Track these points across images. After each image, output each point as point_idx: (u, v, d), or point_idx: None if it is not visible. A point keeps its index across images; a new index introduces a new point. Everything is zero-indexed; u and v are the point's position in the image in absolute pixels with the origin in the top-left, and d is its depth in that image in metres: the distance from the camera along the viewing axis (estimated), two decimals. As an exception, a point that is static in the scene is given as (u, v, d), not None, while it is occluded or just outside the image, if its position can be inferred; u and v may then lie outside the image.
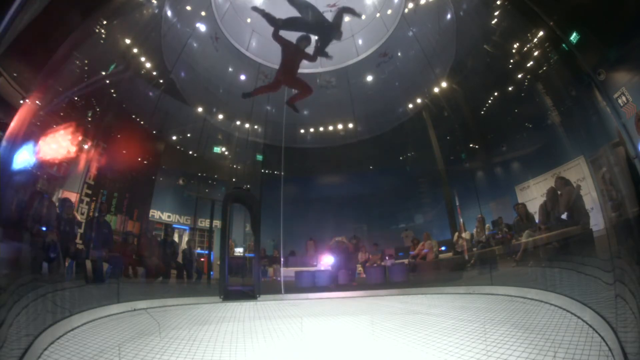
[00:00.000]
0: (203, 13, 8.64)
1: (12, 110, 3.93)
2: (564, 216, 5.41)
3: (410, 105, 9.80)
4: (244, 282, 8.76)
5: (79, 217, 5.82)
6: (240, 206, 9.60)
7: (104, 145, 6.50)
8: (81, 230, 5.83)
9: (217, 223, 9.11)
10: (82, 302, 4.79)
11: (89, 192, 6.16)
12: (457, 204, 8.48)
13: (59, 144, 5.33)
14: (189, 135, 9.54)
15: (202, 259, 8.83)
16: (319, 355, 3.07)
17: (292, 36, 7.13)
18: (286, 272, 8.87)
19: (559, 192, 5.57)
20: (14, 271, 3.49)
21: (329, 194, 10.46)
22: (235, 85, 9.92)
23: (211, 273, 8.65)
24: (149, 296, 6.37)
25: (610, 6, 3.73)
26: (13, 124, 3.91)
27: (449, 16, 7.97)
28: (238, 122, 10.17)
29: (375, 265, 8.99)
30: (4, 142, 3.73)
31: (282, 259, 9.21)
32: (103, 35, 5.89)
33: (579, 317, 3.34)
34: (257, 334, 3.92)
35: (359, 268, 9.14)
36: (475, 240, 7.60)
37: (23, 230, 4.03)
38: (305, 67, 10.25)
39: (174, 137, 9.19)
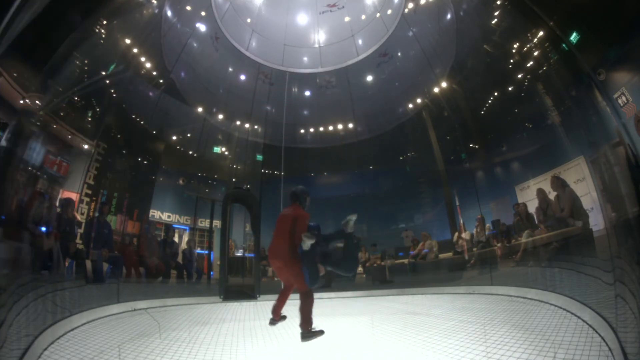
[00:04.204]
0: (203, 13, 8.63)
1: (12, 110, 3.92)
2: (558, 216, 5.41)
3: (410, 105, 9.80)
4: (244, 282, 8.77)
5: (79, 217, 5.81)
6: (240, 206, 9.60)
7: (104, 145, 6.49)
8: (81, 230, 5.83)
9: (217, 223, 9.11)
10: (82, 302, 4.79)
11: (89, 192, 6.16)
12: (457, 204, 8.47)
13: (59, 144, 5.32)
14: (189, 135, 9.53)
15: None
16: (319, 356, 3.07)
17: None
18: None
19: (549, 192, 5.62)
20: (14, 271, 3.48)
21: (329, 194, 10.46)
22: (235, 85, 9.92)
23: (211, 273, 8.65)
24: (149, 296, 6.37)
25: (610, 6, 3.73)
26: (13, 124, 3.91)
27: (449, 16, 7.97)
28: (238, 122, 10.17)
29: (375, 265, 8.99)
30: (3, 142, 3.73)
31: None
32: (103, 35, 5.88)
33: (579, 317, 3.34)
34: (257, 334, 3.93)
35: (359, 268, 9.14)
36: (475, 240, 7.60)
37: (23, 231, 4.02)
38: (306, 67, 10.29)
39: (174, 137, 9.18)
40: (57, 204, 5.34)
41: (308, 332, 3.06)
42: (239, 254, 9.69)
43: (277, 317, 3.45)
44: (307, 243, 3.09)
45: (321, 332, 3.12)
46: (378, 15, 9.49)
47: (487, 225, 7.39)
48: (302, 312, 3.10)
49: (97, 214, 6.28)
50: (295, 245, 3.17)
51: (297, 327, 3.14)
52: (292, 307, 3.38)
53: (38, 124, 4.62)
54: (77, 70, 5.38)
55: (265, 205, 9.33)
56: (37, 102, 4.44)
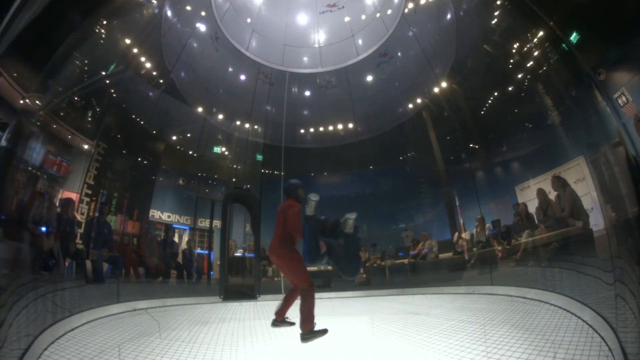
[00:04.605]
0: (203, 13, 8.63)
1: (12, 110, 3.92)
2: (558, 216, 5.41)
3: (410, 105, 9.80)
4: (244, 282, 8.77)
5: (79, 217, 5.81)
6: (240, 206, 9.60)
7: (104, 145, 6.49)
8: (81, 230, 5.83)
9: (217, 223, 9.10)
10: (82, 302, 4.79)
11: (89, 192, 6.16)
12: (457, 204, 8.47)
13: (59, 144, 5.32)
14: (189, 135, 9.53)
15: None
16: (319, 356, 3.06)
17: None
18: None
19: (549, 192, 5.62)
20: (14, 271, 3.48)
21: (329, 194, 10.46)
22: (235, 85, 9.92)
23: (211, 273, 8.65)
24: (149, 296, 6.37)
25: (610, 6, 3.73)
26: (13, 124, 3.91)
27: (449, 16, 7.97)
28: (238, 122, 10.17)
29: (375, 265, 9.00)
30: (3, 142, 3.73)
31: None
32: (103, 35, 5.89)
33: (579, 317, 3.34)
34: (257, 334, 3.92)
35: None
36: (475, 240, 7.60)
37: (23, 231, 4.02)
38: (306, 67, 10.29)
39: (174, 137, 9.18)
40: (57, 204, 5.34)
41: (308, 333, 2.96)
42: (239, 254, 9.69)
43: (279, 317, 3.40)
44: (312, 203, 2.90)
45: (324, 332, 3.00)
46: (378, 15, 9.49)
47: (487, 225, 7.39)
48: (301, 312, 3.01)
49: (97, 214, 6.28)
50: (289, 238, 3.13)
51: (298, 328, 3.13)
52: (293, 308, 3.37)
53: (38, 124, 4.62)
54: (77, 70, 5.38)
55: (265, 205, 9.32)
56: (37, 102, 4.44)
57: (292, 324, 3.35)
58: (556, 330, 3.12)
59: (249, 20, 9.65)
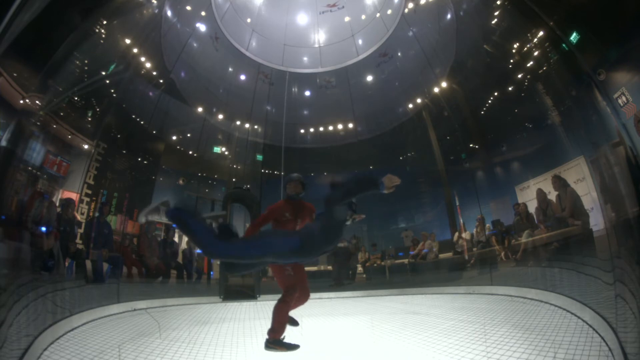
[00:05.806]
0: (203, 13, 8.63)
1: (12, 110, 3.92)
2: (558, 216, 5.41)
3: (410, 105, 9.80)
4: (243, 282, 8.76)
5: (79, 217, 5.81)
6: (240, 206, 9.61)
7: (104, 145, 6.50)
8: (81, 230, 5.83)
9: (217, 223, 9.09)
10: (82, 302, 4.79)
11: (89, 192, 6.16)
12: (457, 204, 8.47)
13: (58, 144, 5.32)
14: (189, 135, 9.53)
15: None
16: (319, 356, 3.06)
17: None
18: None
19: (549, 192, 5.63)
20: (14, 271, 3.48)
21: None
22: (235, 85, 9.92)
23: (211, 273, 8.65)
24: (149, 296, 6.37)
25: (610, 6, 3.73)
26: (13, 124, 3.91)
27: (449, 16, 7.97)
28: (238, 122, 10.17)
29: (375, 265, 9.00)
30: (4, 142, 3.73)
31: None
32: (103, 35, 5.88)
33: (579, 317, 3.34)
34: (257, 334, 3.92)
35: (359, 268, 9.15)
36: (475, 240, 7.60)
37: (23, 231, 4.02)
38: (306, 67, 10.29)
39: (174, 137, 9.18)
40: (57, 204, 5.34)
41: (279, 341, 2.80)
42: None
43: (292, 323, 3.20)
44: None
45: (293, 347, 2.78)
46: (378, 15, 9.49)
47: (487, 225, 7.39)
48: (283, 315, 2.88)
49: (97, 214, 6.28)
50: None
51: (297, 328, 3.12)
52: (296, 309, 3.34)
53: (38, 124, 4.62)
54: (77, 70, 5.38)
55: (265, 205, 9.30)
56: (37, 102, 4.43)
57: (296, 323, 3.31)
58: (556, 330, 3.12)
59: (249, 20, 9.66)
